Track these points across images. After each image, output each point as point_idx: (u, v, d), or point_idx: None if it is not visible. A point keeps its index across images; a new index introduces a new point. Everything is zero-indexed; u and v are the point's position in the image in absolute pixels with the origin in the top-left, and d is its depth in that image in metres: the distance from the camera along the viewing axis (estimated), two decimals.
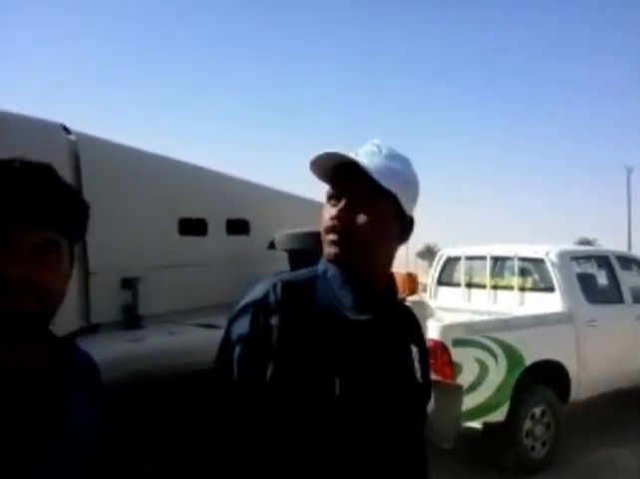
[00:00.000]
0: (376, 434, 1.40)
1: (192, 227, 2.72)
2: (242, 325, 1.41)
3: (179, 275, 2.64)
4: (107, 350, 2.05)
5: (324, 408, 1.35)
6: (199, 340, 2.25)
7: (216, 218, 2.87)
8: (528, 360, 5.69)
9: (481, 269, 7.50)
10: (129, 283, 2.37)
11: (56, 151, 2.13)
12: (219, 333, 2.27)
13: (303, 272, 1.52)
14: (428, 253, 64.58)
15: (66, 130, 2.24)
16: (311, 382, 1.35)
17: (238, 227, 3.01)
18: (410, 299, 3.41)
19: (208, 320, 2.53)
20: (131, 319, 2.37)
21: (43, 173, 1.19)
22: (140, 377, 2.04)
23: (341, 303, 1.43)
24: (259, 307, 1.40)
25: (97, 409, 1.37)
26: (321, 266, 1.50)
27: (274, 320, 1.37)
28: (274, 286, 1.41)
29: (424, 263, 50.97)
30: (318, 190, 1.62)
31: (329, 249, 1.44)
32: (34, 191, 1.13)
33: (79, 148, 2.23)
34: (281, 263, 2.94)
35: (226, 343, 1.44)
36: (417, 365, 1.53)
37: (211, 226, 2.83)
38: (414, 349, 1.55)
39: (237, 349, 1.39)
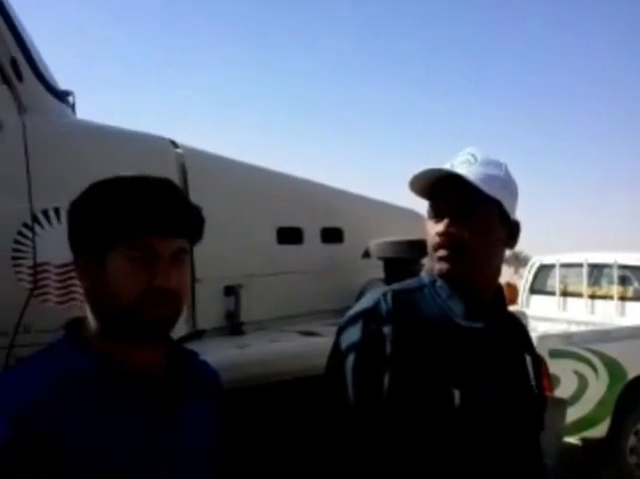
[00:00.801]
0: (495, 445, 1.41)
1: (290, 235, 2.84)
2: (354, 335, 1.44)
3: (277, 283, 2.76)
4: (214, 356, 2.21)
5: (444, 421, 1.36)
6: (301, 348, 2.36)
7: (312, 226, 2.98)
8: (631, 374, 5.51)
9: (577, 277, 7.32)
10: (231, 291, 2.50)
11: (166, 164, 2.30)
12: (319, 341, 2.41)
13: (410, 282, 1.56)
14: (513, 260, 62.94)
15: (174, 144, 2.40)
16: (429, 394, 1.36)
17: (333, 235, 3.11)
18: (510, 309, 3.40)
19: (305, 327, 2.64)
20: (233, 326, 2.50)
21: (169, 186, 1.29)
22: (246, 383, 2.17)
23: (452, 312, 1.46)
24: (371, 317, 1.43)
25: (217, 423, 1.41)
26: (427, 277, 1.53)
27: (387, 330, 1.40)
28: (385, 296, 1.45)
29: (509, 270, 49.68)
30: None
31: (439, 266, 1.47)
32: (168, 204, 1.23)
33: (186, 161, 2.39)
34: (375, 272, 3.02)
35: (337, 353, 1.48)
36: (531, 374, 1.55)
37: (307, 234, 2.94)
38: (527, 358, 1.57)
39: (350, 359, 1.43)
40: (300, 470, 2.05)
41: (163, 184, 1.28)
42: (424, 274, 1.56)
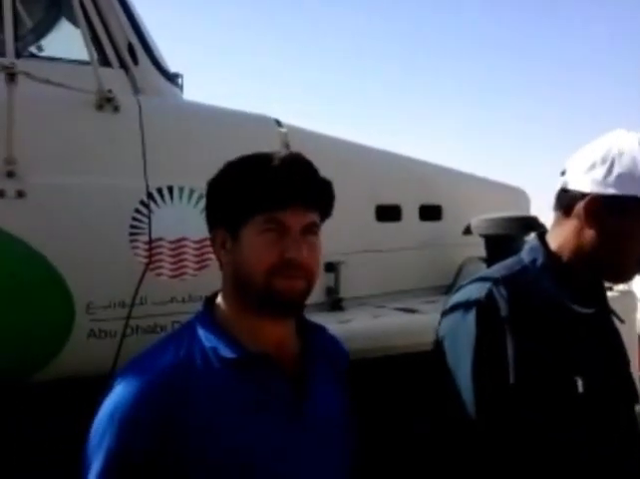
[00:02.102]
0: (614, 431, 1.44)
1: (388, 213, 2.93)
2: (468, 327, 1.44)
3: (376, 260, 2.87)
4: None
5: (568, 409, 1.37)
6: (402, 324, 2.46)
7: (410, 203, 3.05)
8: None
9: None
10: (332, 267, 2.63)
11: (270, 143, 2.43)
12: (419, 318, 2.50)
13: (512, 265, 1.55)
14: None
15: (278, 123, 2.54)
16: (553, 382, 1.38)
17: (432, 212, 3.17)
18: (617, 289, 3.35)
19: (404, 304, 2.73)
20: (333, 302, 2.63)
21: (303, 160, 1.31)
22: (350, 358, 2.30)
23: (565, 296, 1.46)
24: (485, 306, 1.42)
25: (343, 400, 1.41)
26: (527, 255, 1.54)
27: (504, 321, 1.40)
28: (495, 283, 1.45)
29: None
30: None
31: None
32: (298, 178, 1.27)
33: (289, 139, 2.52)
34: (475, 249, 3.07)
35: (451, 344, 1.48)
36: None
37: (405, 212, 3.02)
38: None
39: (467, 353, 1.42)
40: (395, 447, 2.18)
41: (294, 158, 1.30)
42: (524, 255, 1.56)
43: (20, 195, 1.94)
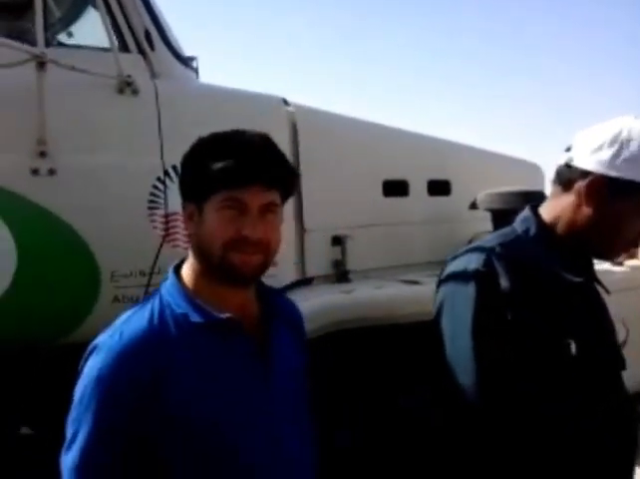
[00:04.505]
0: (606, 391, 1.66)
1: (395, 188, 3.30)
2: (468, 294, 1.61)
3: (383, 234, 3.24)
4: (321, 299, 2.76)
5: (562, 375, 1.55)
6: (403, 294, 2.84)
7: (418, 179, 3.41)
8: None
9: None
10: (338, 241, 3.02)
11: (277, 121, 2.83)
12: (421, 289, 2.87)
13: (506, 234, 1.73)
14: None
15: (285, 102, 2.92)
16: (547, 348, 1.55)
17: (439, 187, 3.52)
18: (628, 264, 3.64)
19: (409, 277, 3.10)
20: (340, 274, 3.03)
21: (266, 142, 1.45)
22: (348, 325, 2.69)
23: (556, 265, 1.65)
24: (484, 275, 1.59)
25: (303, 358, 1.63)
26: (520, 226, 1.73)
27: (504, 288, 1.57)
28: (492, 252, 1.63)
29: None
30: None
31: None
32: (266, 159, 1.41)
33: (296, 118, 2.91)
34: (482, 224, 3.40)
35: (450, 311, 1.66)
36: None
37: (413, 187, 3.38)
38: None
39: (468, 320, 1.59)
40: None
41: (256, 139, 1.44)
42: (516, 225, 1.76)
43: (51, 172, 2.36)
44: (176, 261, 1.56)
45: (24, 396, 2.46)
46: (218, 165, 1.37)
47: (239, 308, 1.47)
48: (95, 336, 1.42)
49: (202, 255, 1.44)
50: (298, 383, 1.57)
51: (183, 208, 1.50)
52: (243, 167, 1.38)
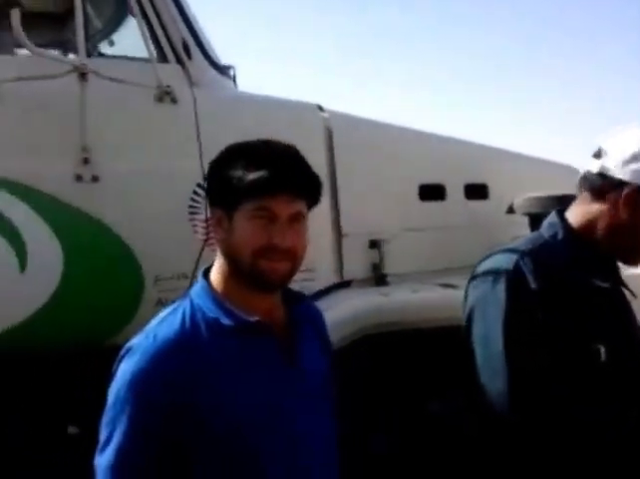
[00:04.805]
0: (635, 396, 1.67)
1: (432, 192, 3.33)
2: (498, 297, 1.64)
3: (420, 238, 3.27)
4: (359, 302, 2.80)
5: (593, 380, 1.58)
6: (439, 298, 2.87)
7: (455, 183, 3.44)
8: None
9: None
10: (376, 245, 3.06)
11: (313, 128, 2.90)
12: (457, 293, 2.89)
13: (534, 239, 1.78)
14: None
15: (320, 109, 2.99)
16: (577, 353, 1.58)
17: (477, 191, 3.54)
18: None
19: (446, 281, 3.11)
20: (378, 277, 3.07)
21: (295, 153, 1.51)
22: (386, 327, 2.74)
23: (584, 270, 1.68)
24: (514, 278, 1.63)
25: (326, 362, 1.68)
26: (547, 231, 1.77)
27: (533, 291, 1.61)
28: (522, 255, 1.66)
29: None
30: None
31: None
32: (295, 169, 1.47)
33: (331, 124, 2.97)
34: (520, 228, 3.41)
35: (482, 313, 1.69)
36: None
37: (450, 191, 3.41)
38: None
39: (498, 322, 1.62)
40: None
41: (284, 150, 1.50)
42: (543, 230, 1.80)
43: (94, 179, 2.46)
44: (205, 266, 1.61)
45: (73, 396, 2.53)
46: (250, 175, 1.42)
47: (267, 313, 1.52)
48: None
49: (232, 261, 1.49)
50: (323, 387, 1.62)
51: (211, 213, 1.56)
52: (275, 177, 1.42)
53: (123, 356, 1.44)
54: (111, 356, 2.41)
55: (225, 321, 1.45)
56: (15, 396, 2.50)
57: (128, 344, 1.46)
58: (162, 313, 1.51)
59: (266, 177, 1.42)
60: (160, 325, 1.45)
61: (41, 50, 2.43)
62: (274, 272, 1.46)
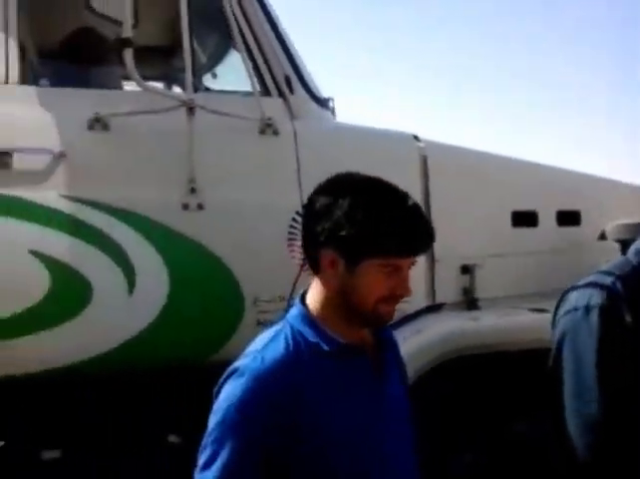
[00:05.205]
0: None
1: (524, 218, 3.34)
2: (591, 326, 1.63)
3: (512, 263, 3.28)
4: (450, 326, 2.86)
5: None
6: (530, 322, 2.88)
7: (547, 209, 3.44)
8: None
9: None
10: (467, 270, 3.11)
11: (409, 158, 2.98)
12: (547, 317, 2.87)
13: (622, 265, 1.75)
14: None
15: (416, 138, 3.06)
16: None
17: (569, 218, 3.52)
18: None
19: (538, 305, 3.10)
20: (469, 301, 3.11)
21: (424, 214, 1.55)
22: (475, 350, 2.77)
23: None
24: (608, 307, 1.62)
25: (405, 386, 1.75)
26: (635, 257, 1.74)
27: (627, 319, 1.60)
28: (614, 283, 1.66)
29: None
30: None
31: None
32: (425, 234, 1.52)
33: (427, 152, 3.04)
34: (611, 254, 3.37)
35: (573, 342, 1.67)
36: None
37: (542, 217, 3.41)
38: None
39: (593, 347, 1.62)
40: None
41: (418, 212, 1.53)
42: (630, 256, 1.77)
43: (200, 207, 2.61)
44: (302, 290, 1.66)
45: (176, 409, 2.67)
46: (386, 241, 1.46)
47: (360, 338, 1.60)
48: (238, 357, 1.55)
49: (348, 305, 1.53)
50: (405, 410, 1.68)
51: (319, 252, 1.54)
52: (409, 244, 1.48)
53: (228, 377, 1.49)
54: (211, 373, 2.60)
55: (325, 347, 1.51)
56: (122, 408, 2.66)
57: (233, 366, 1.51)
58: (264, 337, 1.56)
59: (402, 245, 1.47)
60: (265, 349, 1.50)
61: (152, 86, 2.62)
62: (390, 315, 1.54)
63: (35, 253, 2.42)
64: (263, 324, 2.63)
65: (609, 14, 17.08)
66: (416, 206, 1.53)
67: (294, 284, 2.69)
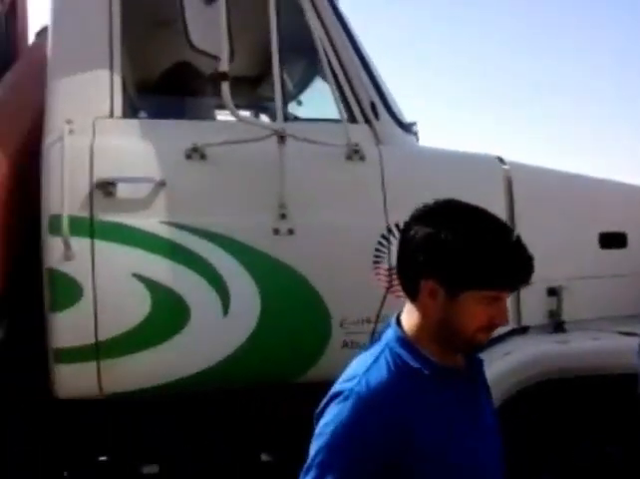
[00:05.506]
0: None
1: (613, 240, 3.29)
2: None
3: (600, 286, 3.24)
4: (536, 349, 2.86)
5: None
6: (619, 346, 2.83)
7: (636, 231, 3.37)
8: None
9: None
10: (554, 292, 3.09)
11: (494, 181, 3.01)
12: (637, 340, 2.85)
13: None
14: None
15: (501, 161, 3.08)
16: None
17: None
18: None
19: (627, 328, 3.07)
20: (555, 324, 3.08)
21: (525, 247, 1.55)
22: (564, 374, 2.76)
23: None
24: None
25: (491, 404, 1.77)
26: None
27: None
28: None
29: None
30: None
31: None
32: (528, 267, 1.54)
33: (512, 175, 3.05)
34: None
35: None
36: None
37: (631, 239, 3.35)
38: None
39: None
40: None
41: (521, 246, 1.55)
42: None
43: (290, 232, 2.71)
44: (396, 313, 1.68)
45: (266, 426, 2.76)
46: (495, 275, 1.50)
47: (454, 360, 1.64)
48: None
49: (446, 332, 1.57)
50: (495, 427, 1.71)
51: (418, 281, 1.56)
52: (516, 277, 1.54)
53: (330, 401, 1.53)
54: (299, 392, 2.68)
55: (427, 371, 1.54)
56: (221, 424, 2.78)
57: (334, 390, 1.55)
58: (364, 360, 1.58)
59: (507, 279, 1.53)
60: (368, 373, 1.52)
61: (246, 117, 2.71)
62: (486, 341, 1.60)
63: (137, 276, 2.56)
64: (349, 346, 2.71)
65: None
66: (519, 239, 1.55)
67: (380, 307, 2.75)
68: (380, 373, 1.53)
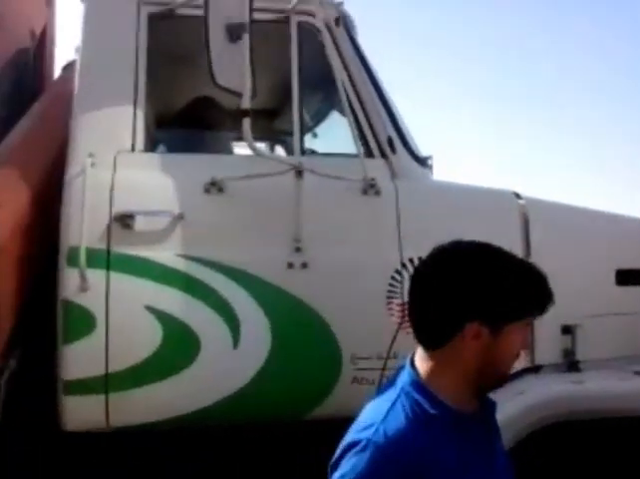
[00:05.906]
0: None
1: (630, 277, 3.26)
2: None
3: (616, 323, 3.20)
4: (549, 389, 2.83)
5: None
6: (635, 388, 2.80)
7: None
8: None
9: None
10: (568, 330, 3.06)
11: (510, 215, 3.00)
12: None
13: None
14: None
15: (517, 196, 3.06)
16: None
17: None
18: None
19: None
20: (570, 363, 3.05)
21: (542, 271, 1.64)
22: (578, 416, 2.73)
23: None
24: None
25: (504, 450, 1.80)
26: None
27: None
28: None
29: None
30: None
31: None
32: (548, 283, 1.61)
33: (528, 210, 3.04)
34: None
35: None
36: None
37: None
38: None
39: None
40: None
41: (535, 266, 1.64)
42: None
43: (304, 266, 2.72)
44: (410, 355, 1.68)
45: (274, 460, 2.75)
46: (533, 303, 1.59)
47: (471, 406, 1.64)
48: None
49: (485, 371, 1.58)
50: (507, 462, 1.73)
51: (461, 325, 1.56)
52: (547, 301, 1.60)
53: (347, 451, 1.51)
54: (308, 429, 2.66)
55: (445, 417, 1.55)
56: (221, 462, 2.78)
57: (350, 439, 1.53)
58: (380, 408, 1.57)
59: (542, 304, 1.60)
60: (385, 421, 1.51)
61: (265, 152, 2.74)
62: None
63: (150, 309, 2.58)
64: (359, 382, 2.71)
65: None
66: (535, 265, 1.64)
67: (392, 343, 2.75)
68: (397, 422, 1.52)
